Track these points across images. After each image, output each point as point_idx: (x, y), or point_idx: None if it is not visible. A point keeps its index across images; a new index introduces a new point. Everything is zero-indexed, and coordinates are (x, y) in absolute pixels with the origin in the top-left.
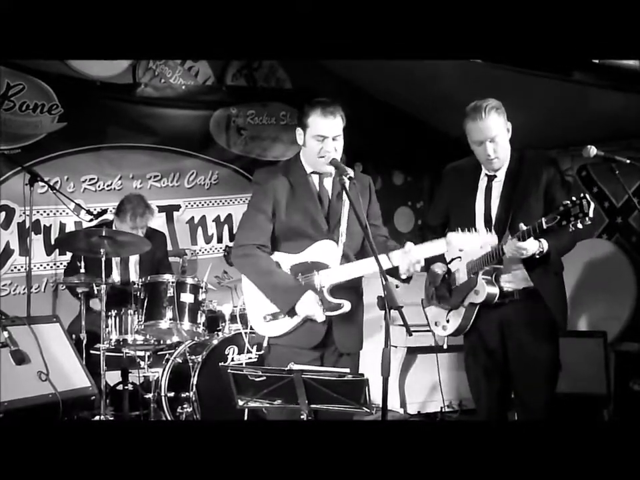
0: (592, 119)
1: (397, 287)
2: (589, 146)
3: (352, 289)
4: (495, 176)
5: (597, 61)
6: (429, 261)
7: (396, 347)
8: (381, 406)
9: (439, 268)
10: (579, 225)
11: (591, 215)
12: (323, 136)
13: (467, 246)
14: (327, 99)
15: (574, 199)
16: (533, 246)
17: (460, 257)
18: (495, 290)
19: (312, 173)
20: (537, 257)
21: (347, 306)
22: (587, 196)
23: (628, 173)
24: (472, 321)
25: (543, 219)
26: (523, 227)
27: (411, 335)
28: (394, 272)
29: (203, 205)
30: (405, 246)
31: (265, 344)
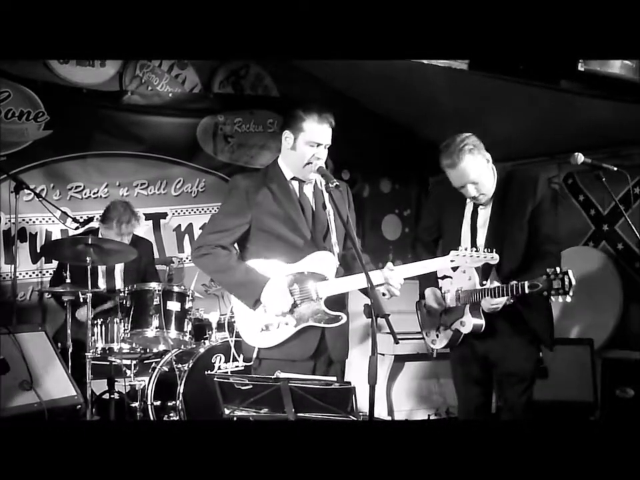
0: (579, 127)
1: (383, 294)
2: (576, 153)
3: (338, 297)
4: (481, 203)
5: (583, 70)
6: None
7: (383, 354)
8: (367, 414)
9: (434, 299)
10: (559, 300)
11: (571, 293)
12: (317, 142)
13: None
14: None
15: (557, 271)
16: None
17: (451, 277)
18: (480, 322)
19: (292, 179)
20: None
21: (344, 318)
22: (570, 272)
23: (614, 181)
24: (458, 343)
25: (526, 284)
26: (513, 283)
27: (397, 342)
28: None
29: (190, 212)
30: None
31: (254, 355)
